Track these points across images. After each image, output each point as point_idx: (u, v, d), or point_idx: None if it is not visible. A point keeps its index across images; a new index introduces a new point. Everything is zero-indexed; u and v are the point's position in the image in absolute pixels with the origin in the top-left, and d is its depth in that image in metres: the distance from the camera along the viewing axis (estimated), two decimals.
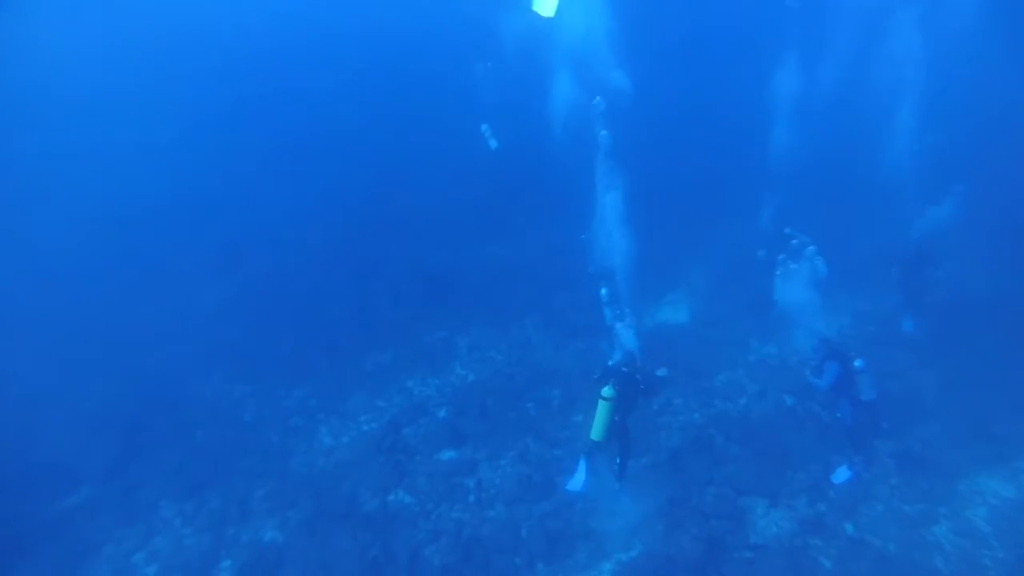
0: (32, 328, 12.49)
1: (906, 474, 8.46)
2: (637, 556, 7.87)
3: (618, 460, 7.95)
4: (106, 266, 14.55)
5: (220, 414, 11.33)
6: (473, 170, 17.46)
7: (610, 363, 8.39)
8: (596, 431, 7.50)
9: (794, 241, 12.12)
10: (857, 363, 8.06)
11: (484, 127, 16.17)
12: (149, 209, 16.04)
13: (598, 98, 12.11)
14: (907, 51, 14.41)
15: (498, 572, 7.89)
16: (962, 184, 11.29)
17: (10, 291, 13.12)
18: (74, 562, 8.57)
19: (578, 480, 7.81)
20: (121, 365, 12.34)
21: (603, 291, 11.29)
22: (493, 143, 15.60)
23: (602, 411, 7.48)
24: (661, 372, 8.43)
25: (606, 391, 7.49)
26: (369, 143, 18.96)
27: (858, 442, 8.32)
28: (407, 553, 8.09)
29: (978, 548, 7.44)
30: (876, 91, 14.42)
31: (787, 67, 15.32)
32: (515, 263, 14.78)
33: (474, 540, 8.26)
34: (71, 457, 10.05)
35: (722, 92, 18.90)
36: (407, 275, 14.28)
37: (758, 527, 8.11)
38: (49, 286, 13.36)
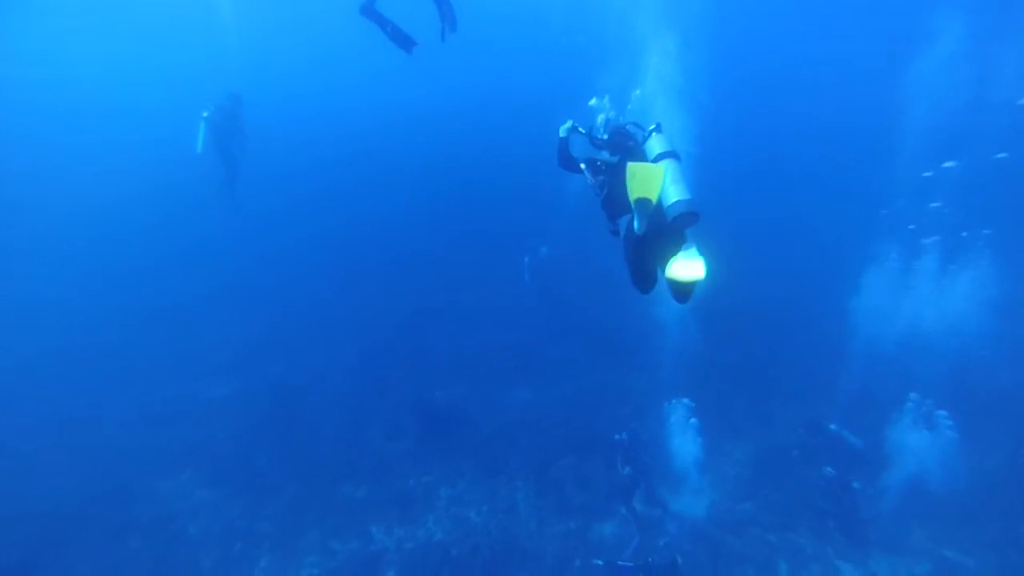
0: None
1: None
2: None
3: None
4: (120, 340, 15.10)
5: (166, 521, 10.47)
6: (518, 302, 17.29)
7: (648, 559, 7.36)
8: None
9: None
10: None
11: (527, 258, 16.32)
12: (192, 298, 16.87)
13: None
14: None
15: None
16: None
17: None
18: None
19: None
20: (97, 447, 12.04)
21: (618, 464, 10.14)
22: (527, 276, 15.56)
23: None
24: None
25: None
26: (414, 254, 19.48)
27: None
28: None
29: None
30: None
31: None
32: (532, 412, 13.61)
33: None
34: None
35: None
36: (412, 405, 13.40)
37: None
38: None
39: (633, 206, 3.64)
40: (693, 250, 3.61)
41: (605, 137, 4.50)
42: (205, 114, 11.91)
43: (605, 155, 4.41)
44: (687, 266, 3.54)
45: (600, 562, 7.74)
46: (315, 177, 23.70)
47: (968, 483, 9.95)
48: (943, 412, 10.15)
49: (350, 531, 10.29)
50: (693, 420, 11.15)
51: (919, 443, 10.20)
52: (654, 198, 3.58)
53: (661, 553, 7.45)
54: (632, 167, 3.61)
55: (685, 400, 11.27)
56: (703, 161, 9.18)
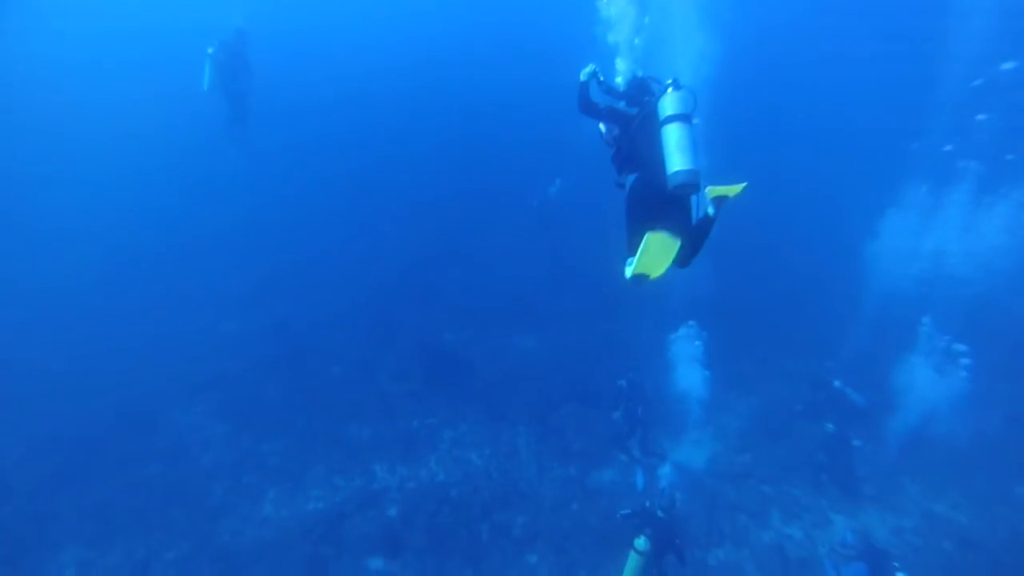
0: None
1: None
2: None
3: None
4: (135, 277, 15.32)
5: (182, 450, 10.88)
6: (529, 248, 17.15)
7: (646, 504, 7.39)
8: None
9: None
10: None
11: (535, 203, 16.14)
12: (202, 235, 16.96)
13: None
14: None
15: None
16: None
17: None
18: None
19: None
20: (113, 376, 12.40)
21: (616, 414, 10.25)
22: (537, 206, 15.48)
23: (632, 565, 6.76)
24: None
25: (640, 543, 6.75)
26: (427, 196, 19.27)
27: None
28: None
29: None
30: None
31: None
32: (536, 358, 13.69)
33: None
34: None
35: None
36: (419, 348, 13.51)
37: None
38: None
39: (632, 269, 3.77)
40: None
41: (623, 89, 4.44)
42: (210, 51, 11.60)
43: (622, 105, 4.35)
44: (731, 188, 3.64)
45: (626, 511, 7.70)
46: (324, 117, 23.24)
47: (967, 442, 10.05)
48: (962, 347, 9.98)
49: (354, 468, 10.58)
50: (698, 343, 11.11)
51: (927, 384, 10.13)
52: (654, 276, 3.74)
53: (659, 497, 7.50)
54: (649, 240, 3.76)
55: (692, 323, 11.17)
56: (719, 88, 8.73)
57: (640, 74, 4.46)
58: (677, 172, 3.58)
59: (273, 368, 13.07)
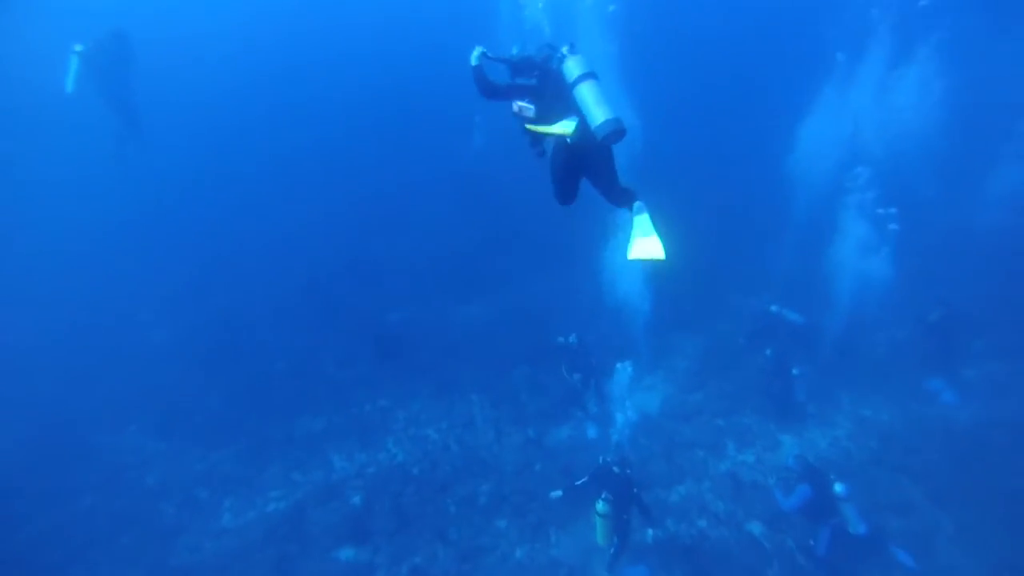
0: None
1: None
2: None
3: (612, 550, 7.35)
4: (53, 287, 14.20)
5: (120, 474, 10.31)
6: (463, 213, 16.79)
7: (600, 461, 7.46)
8: (600, 538, 7.15)
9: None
10: (837, 488, 6.84)
11: (478, 118, 15.81)
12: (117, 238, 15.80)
13: None
14: None
15: None
16: None
17: None
18: None
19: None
20: (32, 403, 11.54)
21: (565, 370, 10.28)
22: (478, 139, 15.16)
23: (599, 526, 7.01)
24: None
25: (600, 507, 6.86)
26: (350, 174, 18.59)
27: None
28: None
29: None
30: None
31: None
32: (482, 325, 13.57)
33: None
34: None
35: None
36: (362, 331, 13.15)
37: None
38: None
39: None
40: (647, 223, 4.18)
41: (515, 54, 4.42)
42: (78, 48, 10.30)
43: (521, 80, 4.38)
44: (646, 246, 4.11)
45: (559, 493, 7.88)
46: (240, 104, 21.88)
47: (885, 348, 10.94)
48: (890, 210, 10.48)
49: (311, 462, 10.30)
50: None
51: (855, 269, 10.73)
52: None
53: (612, 452, 7.65)
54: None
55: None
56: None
57: (528, 50, 4.43)
58: (604, 123, 3.76)
59: (212, 373, 12.47)
